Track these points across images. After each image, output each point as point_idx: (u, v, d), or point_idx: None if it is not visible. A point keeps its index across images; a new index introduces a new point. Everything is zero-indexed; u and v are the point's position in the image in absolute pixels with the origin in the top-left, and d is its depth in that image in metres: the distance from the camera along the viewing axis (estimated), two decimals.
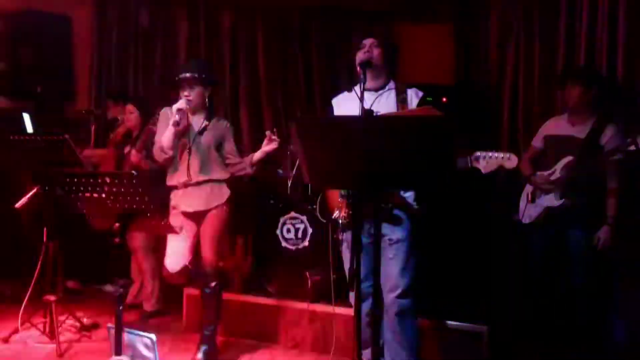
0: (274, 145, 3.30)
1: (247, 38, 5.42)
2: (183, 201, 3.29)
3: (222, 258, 3.33)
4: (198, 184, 3.26)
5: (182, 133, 3.24)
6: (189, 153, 3.23)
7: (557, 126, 3.49)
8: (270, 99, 5.41)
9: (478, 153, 2.55)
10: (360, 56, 2.77)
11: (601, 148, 3.26)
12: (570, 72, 3.60)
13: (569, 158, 3.31)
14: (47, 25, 5.05)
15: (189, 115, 3.29)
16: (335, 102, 3.00)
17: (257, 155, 3.34)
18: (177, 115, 3.10)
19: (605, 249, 3.29)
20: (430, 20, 5.46)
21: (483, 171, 2.56)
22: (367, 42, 2.82)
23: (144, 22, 5.40)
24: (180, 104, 3.14)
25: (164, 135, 3.18)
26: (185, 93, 3.19)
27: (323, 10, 5.41)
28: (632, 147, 3.01)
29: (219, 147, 3.33)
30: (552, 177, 3.38)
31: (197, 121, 3.30)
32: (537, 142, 3.60)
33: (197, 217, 3.29)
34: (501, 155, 2.52)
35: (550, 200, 3.39)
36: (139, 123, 4.17)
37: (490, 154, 2.54)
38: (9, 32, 5.08)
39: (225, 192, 3.32)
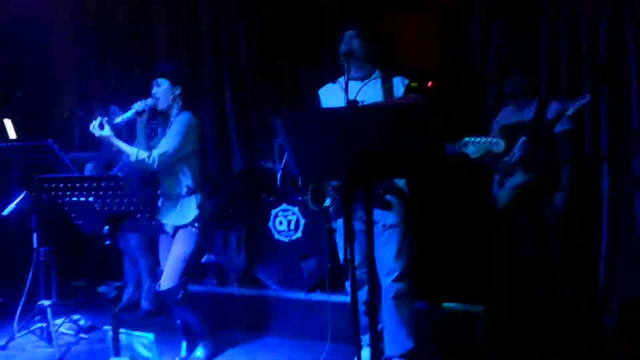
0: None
1: (229, 32, 5.37)
2: (162, 212, 3.17)
3: (181, 273, 3.08)
4: (166, 196, 3.15)
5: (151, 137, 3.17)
6: None
7: (506, 115, 3.66)
8: (256, 92, 5.38)
9: (466, 139, 2.57)
10: (341, 48, 2.77)
11: (550, 122, 3.38)
12: (514, 64, 3.77)
13: (524, 138, 3.44)
14: (25, 29, 4.97)
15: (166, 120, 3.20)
16: (321, 92, 3.01)
17: None
18: (126, 115, 3.03)
19: (560, 217, 3.41)
20: (417, 6, 5.46)
21: (471, 156, 2.59)
22: (347, 34, 2.84)
23: (123, 20, 5.33)
24: (137, 104, 3.06)
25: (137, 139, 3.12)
26: (153, 90, 3.13)
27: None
28: (583, 100, 3.17)
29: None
30: (513, 160, 3.49)
31: (169, 124, 3.18)
32: (494, 134, 3.71)
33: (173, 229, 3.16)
34: (489, 140, 2.55)
35: (517, 178, 3.51)
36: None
37: (478, 139, 2.56)
38: None
39: (192, 211, 3.09)
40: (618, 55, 3.51)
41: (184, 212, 3.09)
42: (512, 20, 4.31)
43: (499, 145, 2.53)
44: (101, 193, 2.38)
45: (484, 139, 2.55)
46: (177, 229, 3.12)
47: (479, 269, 3.84)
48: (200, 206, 3.10)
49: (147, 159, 2.99)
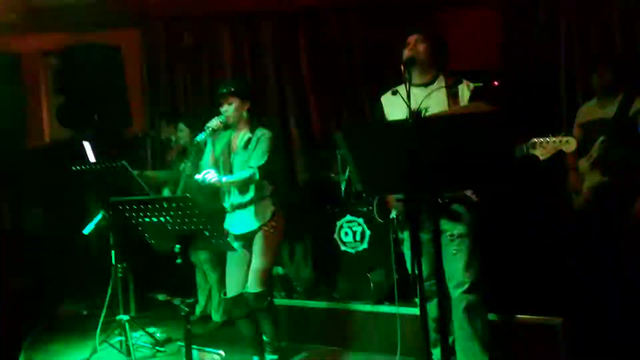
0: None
1: (289, 45, 5.47)
2: (231, 224, 3.28)
3: (266, 282, 3.16)
4: (242, 205, 3.23)
5: (227, 153, 3.28)
6: (232, 173, 3.24)
7: (588, 112, 3.53)
8: (318, 103, 5.43)
9: (534, 139, 2.45)
10: (405, 54, 2.73)
11: (633, 122, 3.20)
12: (602, 58, 3.65)
13: (602, 138, 3.30)
14: (99, 56, 5.27)
15: (236, 133, 3.31)
16: (384, 100, 2.96)
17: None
18: (204, 133, 3.14)
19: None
20: (475, 4, 5.33)
21: (541, 158, 2.47)
22: (412, 38, 2.78)
23: (189, 42, 5.53)
24: (212, 122, 3.17)
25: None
26: (223, 108, 3.24)
27: (363, 9, 5.38)
28: None
29: None
30: (590, 161, 3.38)
31: (241, 138, 3.29)
32: (575, 132, 3.57)
33: (246, 240, 3.24)
34: (558, 139, 2.42)
35: (593, 179, 3.38)
36: (192, 140, 4.24)
37: (546, 139, 2.44)
38: (64, 67, 5.33)
39: (268, 209, 3.20)
40: None
41: (260, 214, 3.19)
42: (582, 14, 4.13)
43: (570, 144, 2.40)
44: (172, 213, 2.45)
45: (553, 139, 2.42)
46: (252, 237, 3.19)
47: (555, 278, 3.66)
48: (275, 204, 3.21)
49: (253, 176, 3.14)
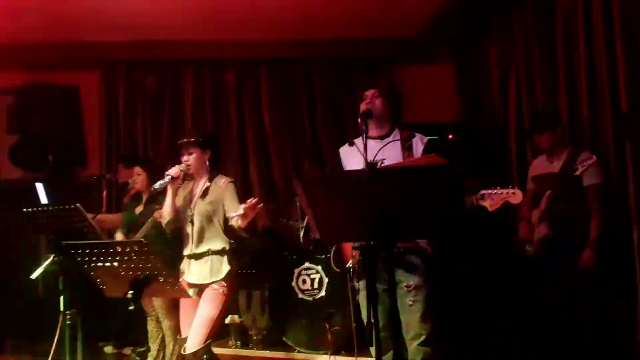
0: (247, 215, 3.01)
1: (252, 92, 5.55)
2: (188, 273, 3.21)
3: (205, 339, 3.02)
4: (197, 256, 3.17)
5: (188, 202, 3.26)
6: (192, 223, 3.20)
7: (538, 166, 3.69)
8: (278, 150, 5.49)
9: (483, 191, 2.54)
10: (362, 107, 2.81)
11: (577, 177, 3.36)
12: (535, 122, 3.80)
13: (548, 192, 3.45)
14: (56, 96, 5.20)
15: (196, 182, 3.30)
16: (342, 151, 3.02)
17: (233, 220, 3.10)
18: (164, 181, 3.13)
19: (587, 271, 3.35)
20: (432, 61, 5.58)
21: (489, 209, 2.54)
22: (369, 93, 2.88)
23: (151, 84, 5.54)
24: (172, 170, 3.16)
25: (165, 201, 3.23)
26: (184, 158, 3.23)
27: (325, 60, 5.55)
28: (589, 161, 3.22)
29: (217, 211, 3.19)
30: (539, 213, 3.52)
31: (200, 186, 3.27)
32: (529, 184, 3.74)
33: (199, 289, 3.17)
34: (505, 191, 2.51)
35: (541, 232, 3.52)
36: (148, 184, 4.20)
37: (495, 191, 2.53)
38: (19, 105, 5.23)
39: (224, 268, 3.12)
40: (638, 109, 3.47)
41: (214, 270, 3.12)
42: (531, 72, 4.37)
43: (517, 196, 2.50)
44: (126, 258, 2.41)
45: (500, 191, 2.52)
46: (203, 288, 3.13)
47: (510, 327, 3.73)
48: (231, 263, 3.13)
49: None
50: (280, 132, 5.48)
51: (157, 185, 3.16)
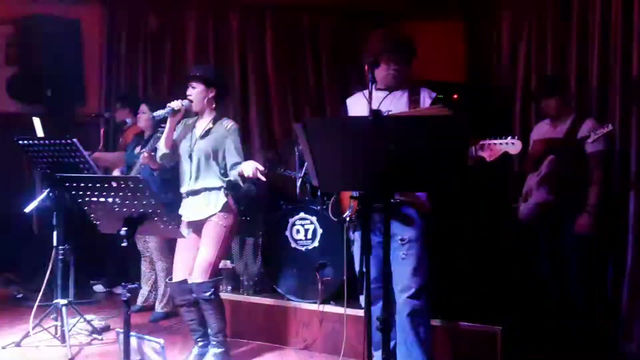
0: (255, 175, 3.05)
1: (256, 38, 5.43)
2: (184, 210, 3.24)
3: (210, 274, 3.09)
4: (194, 192, 3.18)
5: (182, 137, 3.24)
6: (190, 159, 3.19)
7: (541, 130, 3.66)
8: (280, 99, 5.42)
9: (482, 141, 2.51)
10: (368, 58, 2.74)
11: (580, 142, 3.32)
12: (544, 86, 3.74)
13: (551, 157, 3.42)
14: (57, 29, 5.07)
15: (198, 120, 3.27)
16: (349, 102, 2.99)
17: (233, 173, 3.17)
18: (164, 110, 3.09)
19: (582, 239, 3.38)
20: (441, 18, 5.44)
21: (487, 159, 2.52)
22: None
23: (153, 24, 5.41)
24: (174, 102, 3.13)
25: (162, 134, 3.21)
26: (188, 92, 3.19)
27: (332, 10, 5.40)
28: (605, 129, 3.14)
29: (217, 152, 3.18)
30: (538, 176, 3.49)
31: (202, 125, 3.25)
32: (530, 147, 3.70)
33: (196, 227, 3.20)
34: (504, 141, 2.48)
35: (539, 196, 3.50)
36: (151, 124, 4.15)
37: (493, 141, 2.50)
38: (19, 37, 5.11)
39: (220, 200, 3.13)
40: None
41: (211, 203, 3.14)
42: (542, 35, 4.27)
43: (516, 146, 2.47)
44: (121, 194, 2.38)
45: (499, 140, 2.48)
46: (203, 224, 3.14)
47: (498, 288, 3.77)
48: (227, 195, 3.14)
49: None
50: (283, 81, 5.39)
51: (156, 113, 3.13)
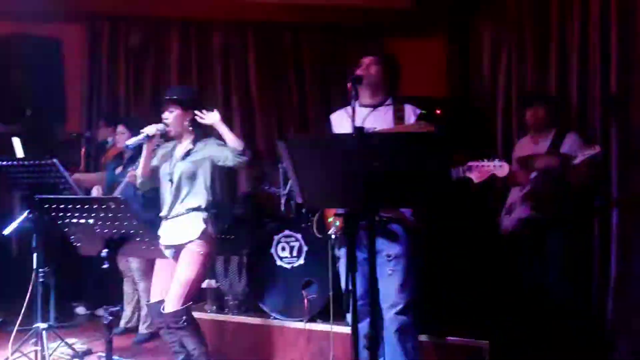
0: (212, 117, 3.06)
1: (239, 56, 5.44)
2: (163, 233, 3.14)
3: (184, 301, 2.99)
4: (174, 216, 3.10)
5: (162, 161, 3.19)
6: (171, 182, 3.12)
7: (523, 147, 3.68)
8: (264, 117, 5.42)
9: (470, 163, 2.53)
10: (356, 73, 2.75)
11: (564, 156, 3.35)
12: (530, 96, 3.81)
13: (535, 174, 3.41)
14: (38, 48, 5.03)
15: (178, 143, 3.21)
16: (333, 118, 2.98)
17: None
18: (137, 138, 3.04)
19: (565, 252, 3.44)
20: (423, 34, 5.51)
21: (475, 181, 2.55)
22: (367, 59, 2.83)
23: (135, 42, 5.39)
24: (148, 128, 3.07)
25: (140, 160, 3.15)
26: (164, 116, 3.14)
27: (314, 27, 5.44)
28: (592, 151, 3.12)
29: (202, 168, 3.11)
30: (522, 192, 3.50)
31: (183, 147, 3.19)
32: (513, 165, 3.69)
33: (174, 250, 3.10)
34: (492, 164, 2.51)
35: (523, 211, 3.52)
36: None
37: (481, 163, 2.52)
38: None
39: (198, 226, 3.04)
40: (627, 92, 3.46)
41: (190, 229, 3.05)
42: (521, 48, 4.33)
43: (503, 169, 2.50)
44: (102, 215, 2.34)
45: (487, 163, 2.51)
46: (181, 249, 3.07)
47: (484, 301, 3.77)
48: (207, 221, 3.06)
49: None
50: (266, 98, 5.40)
51: (130, 142, 3.07)
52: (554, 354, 3.39)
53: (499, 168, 2.49)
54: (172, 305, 3.00)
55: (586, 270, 3.61)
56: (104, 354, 2.40)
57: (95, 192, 4.34)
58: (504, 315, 3.70)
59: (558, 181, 3.39)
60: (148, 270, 3.97)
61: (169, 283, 3.08)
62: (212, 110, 3.12)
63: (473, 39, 5.08)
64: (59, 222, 2.43)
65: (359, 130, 1.90)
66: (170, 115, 3.12)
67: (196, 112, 3.10)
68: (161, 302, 3.09)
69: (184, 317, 3.01)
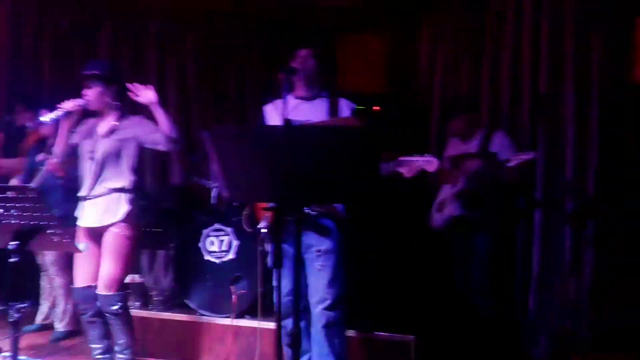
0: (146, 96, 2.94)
1: (176, 44, 5.25)
2: (81, 214, 3.01)
3: (116, 288, 2.90)
4: (95, 196, 2.96)
5: (82, 138, 3.03)
6: (92, 160, 2.97)
7: (453, 147, 3.74)
8: (200, 106, 5.27)
9: (400, 158, 2.56)
10: (291, 65, 2.71)
11: (494, 155, 3.42)
12: (450, 108, 3.89)
13: (467, 172, 3.49)
14: None
15: (100, 119, 3.06)
16: (267, 109, 2.94)
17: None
18: (54, 114, 2.88)
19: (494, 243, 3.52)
20: (364, 31, 5.52)
21: (406, 175, 2.57)
22: (303, 52, 2.80)
23: (63, 24, 5.09)
24: (66, 103, 2.92)
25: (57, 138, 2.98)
26: (84, 92, 2.99)
27: (251, 19, 5.33)
28: (527, 157, 3.19)
29: (127, 147, 2.99)
30: (453, 189, 3.56)
31: (105, 125, 3.04)
32: (444, 163, 3.75)
33: (95, 234, 2.97)
34: (422, 158, 2.54)
35: (454, 209, 3.57)
36: (56, 130, 3.87)
37: (412, 158, 2.56)
38: None
39: (121, 208, 2.93)
40: (557, 95, 3.59)
41: (111, 210, 2.92)
42: (457, 49, 4.41)
43: (432, 164, 2.54)
44: (10, 204, 2.18)
45: (417, 158, 2.55)
46: (102, 231, 2.92)
47: (412, 296, 3.82)
48: (131, 202, 2.93)
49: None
50: (204, 89, 5.24)
51: (45, 117, 2.89)
52: (478, 348, 3.47)
53: (429, 163, 2.53)
54: (106, 289, 2.88)
55: (509, 269, 3.71)
56: (8, 355, 2.24)
57: (15, 181, 4.08)
58: (431, 311, 3.76)
59: (488, 182, 3.47)
60: (63, 265, 3.77)
61: (91, 269, 2.94)
62: (147, 87, 2.97)
63: (412, 38, 5.12)
64: None
65: (286, 122, 1.86)
66: (90, 92, 2.97)
67: (129, 87, 2.94)
68: (89, 287, 2.94)
69: (120, 303, 2.90)
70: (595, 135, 3.46)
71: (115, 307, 2.90)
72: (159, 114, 2.96)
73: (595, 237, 3.45)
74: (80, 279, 2.99)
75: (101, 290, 2.90)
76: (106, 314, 2.94)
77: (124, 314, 2.96)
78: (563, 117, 3.53)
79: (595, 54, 3.46)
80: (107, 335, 3.01)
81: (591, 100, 3.47)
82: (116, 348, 3.00)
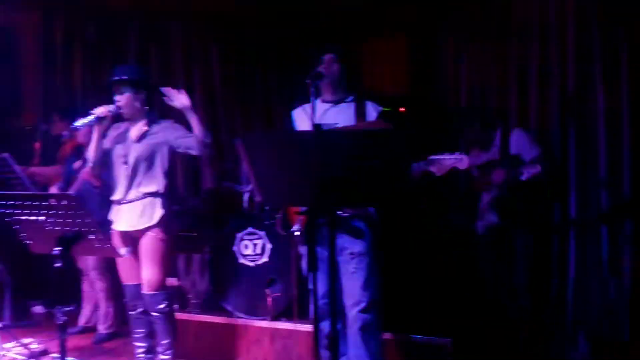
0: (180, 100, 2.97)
1: (201, 48, 5.32)
2: (116, 218, 3.06)
3: (163, 282, 2.99)
4: (129, 200, 3.01)
5: (114, 143, 3.08)
6: (126, 165, 3.02)
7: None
8: (227, 111, 5.33)
9: (430, 157, 2.55)
10: (317, 70, 2.73)
11: (516, 159, 3.39)
12: (468, 114, 3.89)
13: (501, 181, 3.43)
14: None
15: (132, 124, 3.11)
16: (295, 114, 2.96)
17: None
18: (86, 119, 2.93)
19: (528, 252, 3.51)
20: (387, 35, 5.49)
21: (437, 174, 2.56)
22: (327, 57, 2.82)
23: (93, 34, 5.21)
24: (98, 109, 2.97)
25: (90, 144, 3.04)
26: (115, 97, 3.03)
27: (279, 23, 5.36)
28: (535, 171, 3.18)
29: (160, 151, 3.03)
30: (489, 198, 3.55)
31: (136, 129, 3.08)
32: (473, 172, 3.73)
33: (129, 238, 3.03)
34: (453, 157, 2.53)
35: (490, 218, 3.58)
36: (90, 137, 3.97)
37: (442, 156, 2.55)
38: None
39: (157, 212, 2.98)
40: (586, 94, 3.53)
41: (147, 214, 2.97)
42: (481, 48, 4.36)
43: (463, 161, 2.52)
44: (52, 212, 2.25)
45: (448, 156, 2.54)
46: (137, 235, 2.98)
47: (449, 299, 3.79)
48: (165, 206, 2.98)
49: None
50: (231, 92, 5.30)
51: (78, 123, 2.94)
52: (515, 350, 3.42)
53: (459, 161, 2.52)
54: (152, 288, 2.96)
55: (546, 271, 3.65)
56: (57, 356, 2.32)
57: (55, 189, 4.20)
58: (468, 314, 3.72)
59: (516, 191, 3.42)
60: (105, 270, 3.87)
61: (135, 269, 3.02)
62: (180, 91, 3.00)
63: (437, 43, 5.08)
64: (6, 219, 2.33)
65: (316, 126, 1.87)
66: (122, 97, 3.01)
67: (163, 91, 2.97)
68: (138, 285, 3.02)
69: (166, 302, 2.99)
70: (627, 133, 3.38)
71: (162, 306, 2.98)
72: (193, 118, 2.99)
73: (633, 237, 3.36)
74: (129, 278, 3.07)
75: (147, 291, 2.98)
76: (152, 314, 3.01)
77: (169, 312, 3.03)
78: (594, 116, 3.47)
79: (623, 51, 3.39)
80: (151, 335, 3.08)
81: (621, 97, 3.40)
82: (159, 348, 3.07)
